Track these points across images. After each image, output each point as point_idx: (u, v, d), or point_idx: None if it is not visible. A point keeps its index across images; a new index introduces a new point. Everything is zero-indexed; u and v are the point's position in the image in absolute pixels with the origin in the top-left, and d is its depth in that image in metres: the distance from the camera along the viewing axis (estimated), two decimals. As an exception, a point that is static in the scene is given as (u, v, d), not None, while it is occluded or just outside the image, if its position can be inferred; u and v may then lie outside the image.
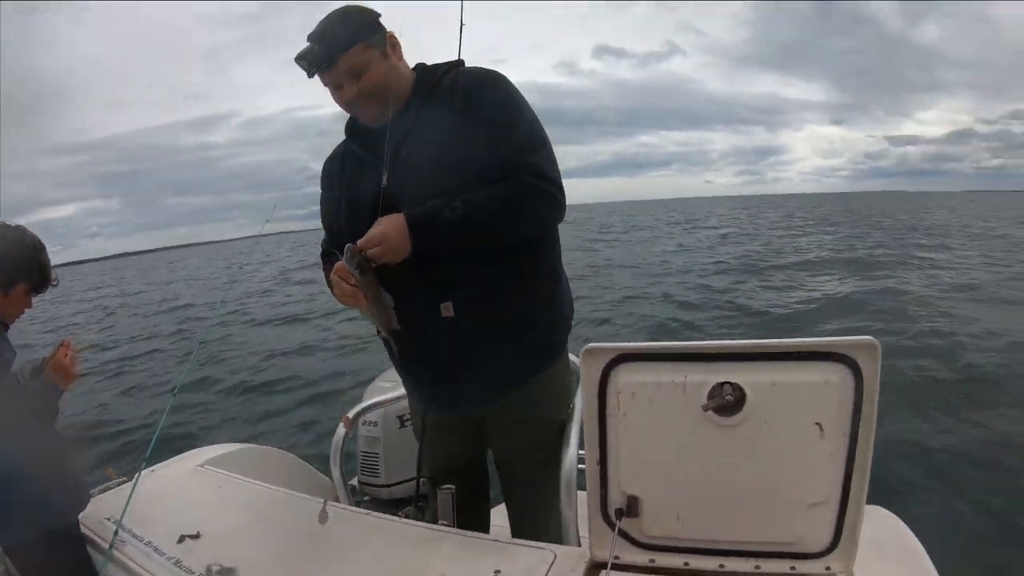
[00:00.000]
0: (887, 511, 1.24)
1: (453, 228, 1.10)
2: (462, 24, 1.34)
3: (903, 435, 3.37)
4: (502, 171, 1.13)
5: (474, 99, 1.17)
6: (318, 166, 1.41)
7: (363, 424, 1.71)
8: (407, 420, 1.65)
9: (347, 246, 1.11)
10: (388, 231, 1.10)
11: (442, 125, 1.17)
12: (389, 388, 1.72)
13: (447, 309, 1.17)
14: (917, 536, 1.20)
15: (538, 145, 1.17)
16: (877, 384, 0.90)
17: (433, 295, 1.18)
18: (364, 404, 1.70)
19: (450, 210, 1.09)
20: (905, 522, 1.23)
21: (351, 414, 1.66)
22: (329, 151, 1.40)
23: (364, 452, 1.74)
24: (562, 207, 1.18)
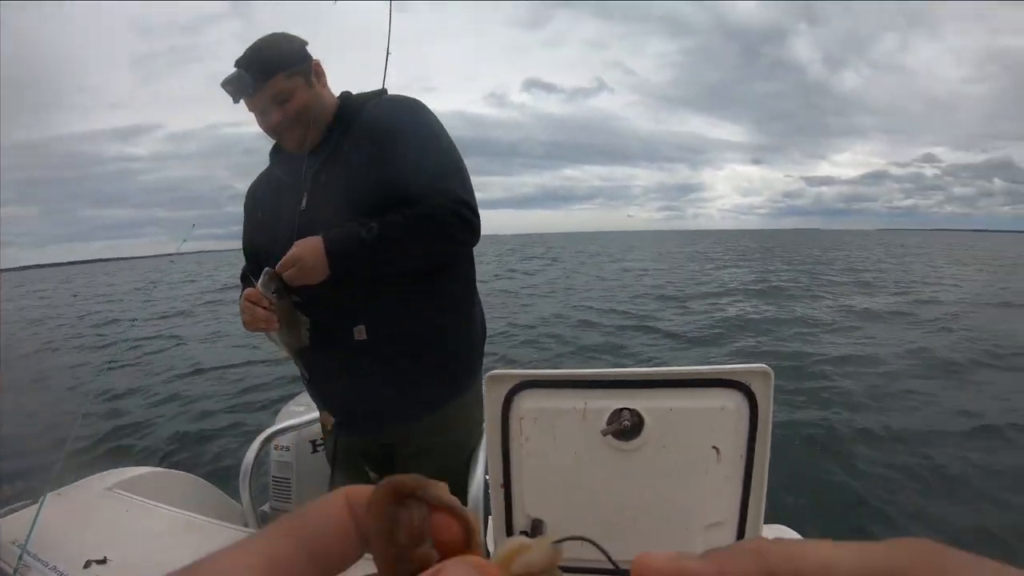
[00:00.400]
0: (788, 529, 1.28)
1: (369, 250, 1.10)
2: (388, 53, 1.35)
3: (806, 459, 3.54)
4: (417, 196, 1.13)
5: (392, 126, 1.19)
6: (241, 185, 1.43)
7: (275, 448, 1.66)
8: (320, 444, 1.61)
9: (265, 270, 1.11)
10: (304, 253, 1.09)
11: (360, 151, 1.17)
12: (302, 412, 1.68)
13: (360, 332, 1.16)
14: None
15: (452, 170, 1.17)
16: (771, 409, 0.93)
17: (346, 318, 1.16)
18: (275, 428, 1.65)
19: (366, 232, 1.09)
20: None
21: (262, 437, 1.60)
22: (253, 170, 1.40)
23: (276, 477, 1.69)
24: (476, 230, 1.19)
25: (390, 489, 0.26)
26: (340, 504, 0.26)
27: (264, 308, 1.13)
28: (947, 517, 2.95)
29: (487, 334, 1.36)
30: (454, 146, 1.21)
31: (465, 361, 1.29)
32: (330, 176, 1.18)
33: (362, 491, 0.26)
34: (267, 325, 1.15)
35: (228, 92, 1.18)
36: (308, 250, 1.09)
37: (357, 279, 1.13)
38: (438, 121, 1.22)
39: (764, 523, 1.02)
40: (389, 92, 1.29)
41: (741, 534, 0.98)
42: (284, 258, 1.10)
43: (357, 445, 1.31)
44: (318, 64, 1.23)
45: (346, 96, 1.29)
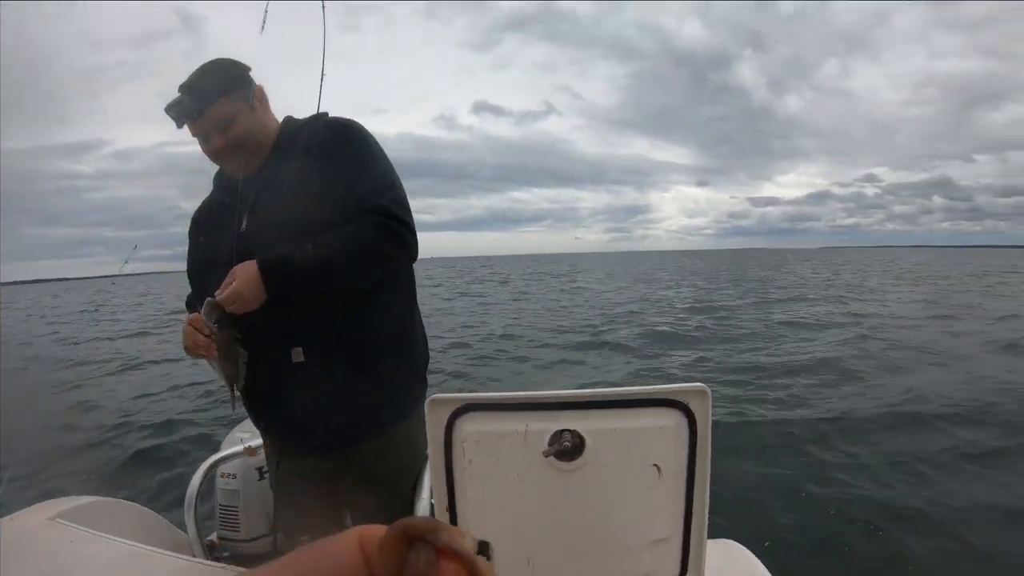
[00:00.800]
0: (736, 543, 1.31)
1: (304, 271, 1.10)
2: (323, 75, 1.36)
3: (755, 472, 3.63)
4: (352, 214, 1.13)
5: (328, 147, 1.20)
6: (188, 205, 1.42)
7: (221, 476, 1.61)
8: (266, 472, 1.57)
9: (207, 300, 1.10)
10: (242, 287, 1.09)
11: (298, 173, 1.18)
12: (247, 438, 1.63)
13: (298, 354, 1.15)
14: (766, 565, 1.28)
15: (387, 188, 1.18)
16: (709, 426, 0.96)
17: (283, 340, 1.15)
18: (220, 455, 1.60)
19: (300, 253, 1.09)
20: (755, 553, 1.31)
21: (206, 465, 1.56)
22: (200, 190, 1.39)
23: (223, 506, 1.64)
24: (411, 247, 1.19)
25: (401, 531, 0.25)
26: (352, 543, 0.25)
27: (204, 336, 1.13)
28: (896, 509, 3.08)
29: (429, 356, 1.36)
30: (390, 165, 1.23)
31: (407, 383, 1.28)
32: (269, 198, 1.19)
33: (376, 531, 0.25)
34: (206, 352, 1.15)
35: (171, 117, 1.18)
36: (245, 281, 1.09)
37: (293, 300, 1.13)
38: (374, 141, 1.23)
39: (709, 537, 1.04)
40: (330, 115, 1.29)
41: (686, 549, 1.00)
42: (225, 293, 1.09)
43: (299, 471, 1.28)
44: (261, 89, 1.25)
45: (287, 120, 1.30)
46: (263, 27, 1.35)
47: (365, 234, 1.13)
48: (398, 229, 1.16)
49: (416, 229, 1.19)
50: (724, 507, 2.93)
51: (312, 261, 1.09)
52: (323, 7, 1.37)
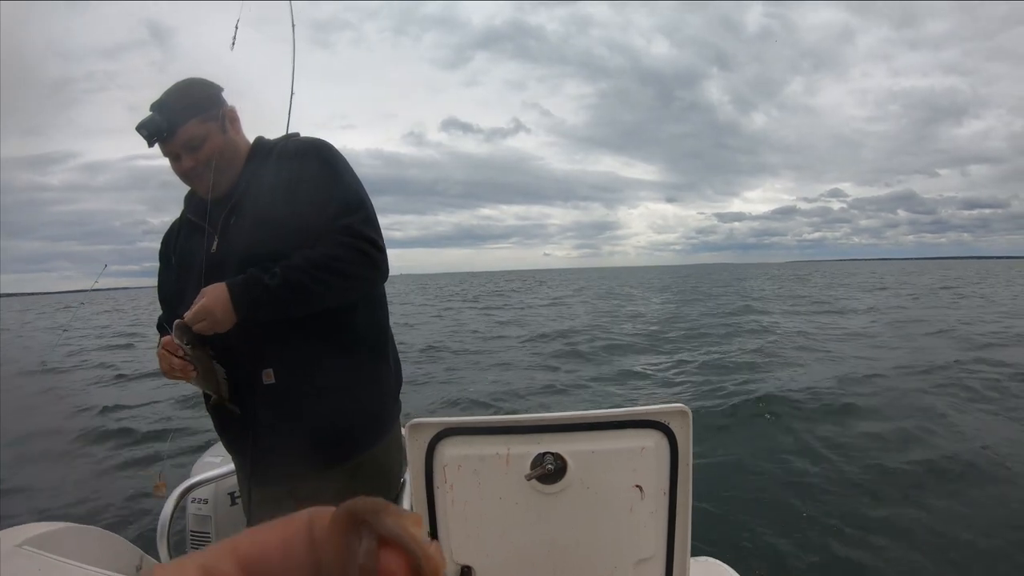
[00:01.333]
0: (718, 561, 1.31)
1: (273, 295, 1.09)
2: (292, 93, 1.36)
3: (734, 487, 3.64)
4: (321, 234, 1.13)
5: (297, 168, 1.20)
6: (156, 220, 1.39)
7: (192, 502, 1.57)
8: (238, 497, 1.54)
9: (176, 322, 1.08)
10: (211, 305, 1.08)
11: (268, 194, 1.18)
12: (219, 463, 1.59)
13: (268, 376, 1.13)
14: None
15: (355, 207, 1.17)
16: (690, 446, 0.96)
17: (254, 361, 1.13)
18: (192, 480, 1.56)
19: (269, 277, 1.08)
20: (736, 570, 1.31)
21: (178, 491, 1.51)
22: (169, 204, 1.39)
23: (194, 531, 1.59)
24: (380, 266, 1.18)
25: (346, 514, 0.22)
26: (301, 526, 0.23)
27: (179, 358, 1.11)
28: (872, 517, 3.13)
29: (403, 378, 1.34)
30: (359, 184, 1.22)
31: (380, 406, 1.26)
32: (239, 219, 1.19)
33: (327, 514, 0.23)
34: (183, 375, 1.13)
35: (142, 135, 1.18)
36: (215, 300, 1.08)
37: (263, 322, 1.12)
38: (343, 160, 1.22)
39: (692, 555, 1.04)
40: (302, 134, 1.29)
41: (669, 568, 1.00)
42: (193, 310, 1.08)
43: (272, 497, 1.26)
44: (232, 110, 1.25)
45: (258, 141, 1.30)
46: (233, 45, 1.35)
47: (334, 255, 1.11)
48: (367, 250, 1.14)
49: (384, 248, 1.18)
50: (704, 523, 2.94)
51: (281, 284, 1.08)
52: (292, 27, 1.36)
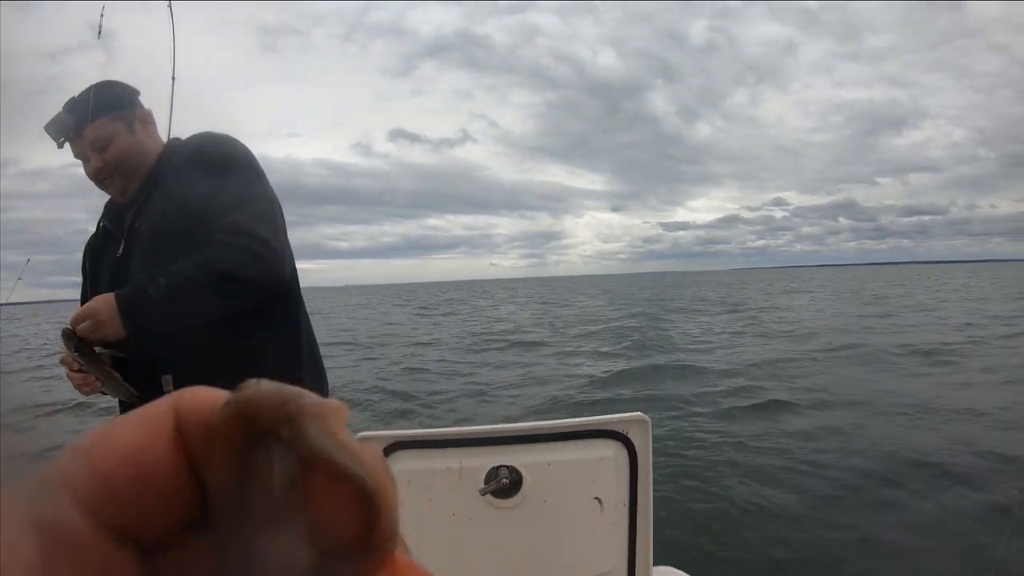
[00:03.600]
0: (679, 571, 1.29)
1: (158, 305, 1.02)
2: (173, 85, 1.31)
3: (690, 497, 3.64)
4: (211, 233, 1.06)
5: (192, 165, 1.15)
6: (93, 228, 1.32)
7: None
8: None
9: (62, 330, 1.02)
10: (98, 304, 1.02)
11: (166, 195, 1.13)
12: None
13: (167, 383, 1.07)
14: None
15: (245, 202, 1.10)
16: (650, 455, 0.93)
17: (152, 368, 1.07)
18: None
19: (154, 287, 1.02)
20: None
21: None
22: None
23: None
24: (271, 264, 1.09)
25: (239, 415, 0.15)
26: (162, 426, 0.16)
27: (76, 371, 1.05)
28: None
29: (328, 387, 1.28)
30: (257, 178, 1.16)
31: None
32: (143, 223, 1.14)
33: (202, 403, 0.16)
34: (88, 388, 1.08)
35: (50, 134, 1.14)
36: (103, 302, 1.02)
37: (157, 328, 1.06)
38: (242, 154, 1.17)
39: (654, 565, 1.02)
40: (213, 132, 1.23)
41: None
42: (76, 312, 1.02)
43: None
44: (146, 112, 1.21)
45: (170, 143, 1.25)
46: (100, 33, 1.31)
47: (218, 256, 1.05)
48: (256, 248, 1.07)
49: (277, 244, 1.11)
50: (668, 533, 2.94)
51: (165, 296, 1.02)
52: (170, 8, 1.32)
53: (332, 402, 0.16)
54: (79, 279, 1.28)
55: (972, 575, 2.49)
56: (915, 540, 2.89)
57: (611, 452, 0.90)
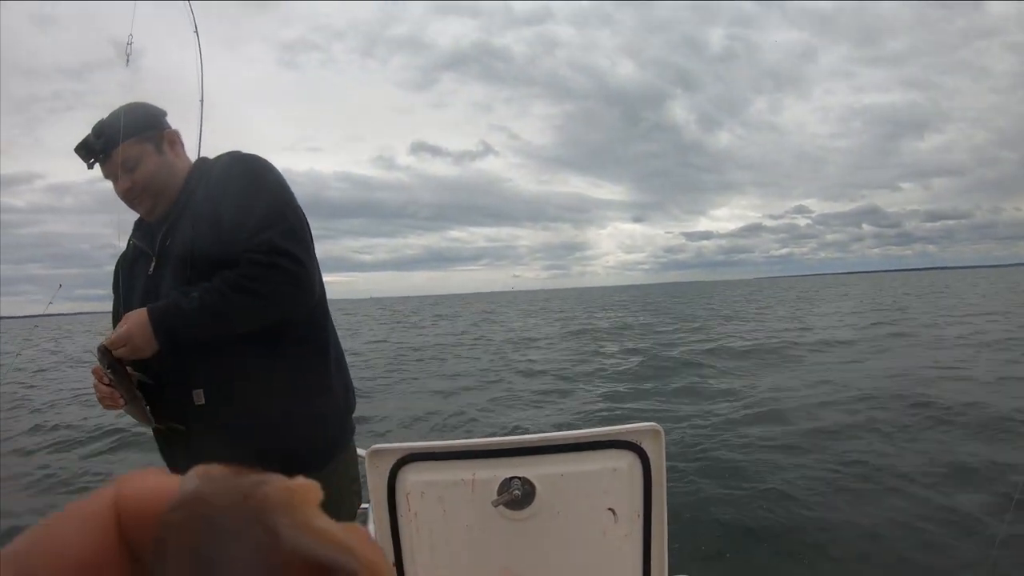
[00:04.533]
0: None
1: (192, 320, 1.05)
2: (202, 110, 1.34)
3: (702, 504, 3.57)
4: (241, 252, 1.09)
5: (222, 185, 1.17)
6: (122, 244, 1.34)
7: None
8: None
9: (98, 346, 1.05)
10: (132, 329, 1.04)
11: (197, 214, 1.15)
12: None
13: (199, 396, 1.09)
14: None
15: (275, 221, 1.12)
16: (664, 466, 0.93)
17: (184, 381, 1.10)
18: None
19: (187, 302, 1.05)
20: None
21: None
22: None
23: None
24: (302, 282, 1.12)
25: (194, 515, 0.13)
26: (102, 524, 0.15)
27: (106, 385, 1.08)
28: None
29: (355, 401, 1.29)
30: (285, 197, 1.18)
31: (324, 430, 1.21)
32: (175, 241, 1.16)
33: (146, 490, 0.15)
34: (111, 403, 1.10)
35: (80, 156, 1.17)
36: (136, 324, 1.05)
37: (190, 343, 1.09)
38: (271, 174, 1.19)
39: (670, 575, 1.01)
40: (242, 152, 1.26)
41: None
42: (113, 335, 1.05)
43: None
44: (175, 133, 1.23)
45: (199, 162, 1.27)
46: (128, 60, 1.35)
47: (250, 274, 1.07)
48: (285, 265, 1.09)
49: (308, 262, 1.13)
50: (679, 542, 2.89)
51: (198, 308, 1.05)
52: (196, 34, 1.35)
53: (299, 484, 0.14)
54: (103, 291, 1.31)
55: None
56: (921, 534, 2.84)
57: (624, 463, 0.90)
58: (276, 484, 0.14)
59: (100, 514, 0.15)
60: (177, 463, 1.19)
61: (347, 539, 0.14)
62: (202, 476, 0.14)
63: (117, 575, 0.14)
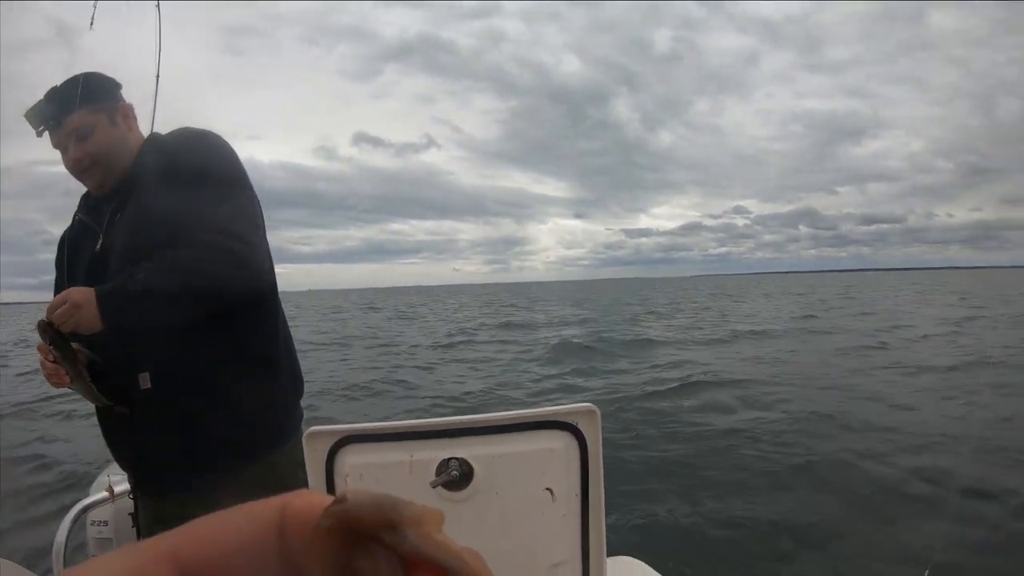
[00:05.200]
0: (634, 559, 1.32)
1: (136, 302, 1.03)
2: (158, 83, 1.31)
3: (643, 486, 3.70)
4: (187, 231, 1.07)
5: (174, 161, 1.15)
6: (56, 229, 1.35)
7: (92, 524, 1.45)
8: None
9: (39, 320, 1.02)
10: (80, 306, 1.01)
11: (146, 190, 1.13)
12: (119, 480, 1.47)
13: (144, 380, 1.07)
14: None
15: (223, 199, 1.11)
16: (600, 446, 0.96)
17: (129, 364, 1.07)
18: (89, 500, 1.44)
19: (132, 283, 1.03)
20: (653, 567, 1.32)
21: (75, 511, 1.40)
22: (70, 213, 1.30)
23: (95, 557, 1.47)
24: (248, 263, 1.10)
25: (343, 525, 0.16)
26: (267, 528, 0.17)
27: (50, 362, 1.05)
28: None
29: (303, 386, 1.28)
30: (236, 175, 1.16)
31: (272, 414, 1.20)
32: (124, 217, 1.14)
33: (307, 510, 0.17)
34: (57, 380, 1.07)
35: (30, 122, 1.13)
36: (84, 301, 1.02)
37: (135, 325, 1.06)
38: (224, 152, 1.17)
39: (609, 555, 1.04)
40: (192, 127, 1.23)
41: (586, 570, 0.99)
42: (57, 312, 1.01)
43: (158, 513, 1.17)
44: (129, 107, 1.21)
45: (151, 138, 1.24)
46: (92, 23, 1.30)
47: (195, 255, 1.05)
48: (232, 246, 1.07)
49: (258, 244, 1.12)
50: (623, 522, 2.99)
51: (143, 291, 1.02)
52: (158, 7, 1.31)
53: (429, 509, 0.18)
54: (34, 280, 1.26)
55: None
56: (863, 514, 3.01)
57: (561, 443, 0.92)
58: (411, 506, 0.18)
59: (267, 516, 0.18)
60: (120, 445, 1.16)
61: (462, 552, 0.17)
62: (351, 497, 0.17)
63: (274, 570, 0.17)
